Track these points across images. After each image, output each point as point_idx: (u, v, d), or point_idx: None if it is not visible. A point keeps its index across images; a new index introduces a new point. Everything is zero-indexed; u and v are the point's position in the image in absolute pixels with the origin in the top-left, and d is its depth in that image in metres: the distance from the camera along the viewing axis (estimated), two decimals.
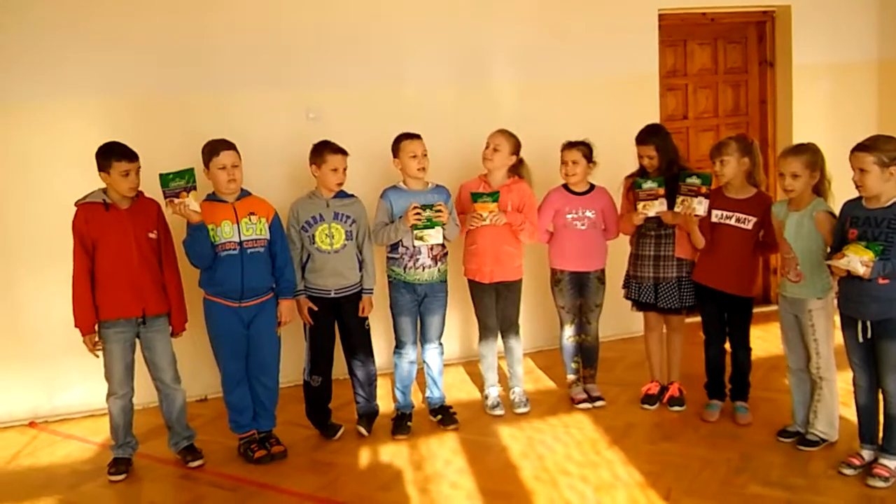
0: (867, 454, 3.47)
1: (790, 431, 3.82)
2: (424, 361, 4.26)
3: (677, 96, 5.86)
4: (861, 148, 3.30)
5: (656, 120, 5.13)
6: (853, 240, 3.27)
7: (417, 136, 4.09)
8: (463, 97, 5.13)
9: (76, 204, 3.75)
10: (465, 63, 5.15)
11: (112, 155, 3.68)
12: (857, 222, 3.31)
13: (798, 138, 5.45)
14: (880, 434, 3.45)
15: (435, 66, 5.08)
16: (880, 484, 3.32)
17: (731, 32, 5.92)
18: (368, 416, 4.20)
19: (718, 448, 3.79)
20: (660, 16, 5.50)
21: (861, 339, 3.34)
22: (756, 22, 5.92)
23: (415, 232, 3.96)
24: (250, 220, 3.85)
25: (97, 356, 3.78)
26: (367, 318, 4.15)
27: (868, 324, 3.31)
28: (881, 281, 3.21)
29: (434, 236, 3.97)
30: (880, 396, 3.43)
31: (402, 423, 4.16)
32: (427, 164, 4.08)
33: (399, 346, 4.24)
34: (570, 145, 4.25)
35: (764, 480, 3.46)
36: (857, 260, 3.15)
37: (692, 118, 5.90)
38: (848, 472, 3.45)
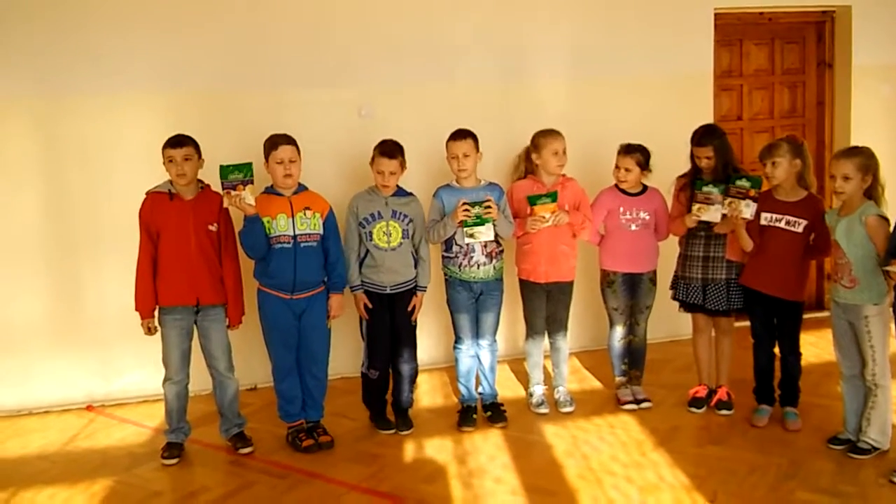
0: None
1: (841, 439, 3.75)
2: (477, 357, 4.28)
3: (732, 97, 5.78)
4: None
5: (710, 120, 5.08)
6: None
7: (462, 137, 4.07)
8: (513, 95, 5.15)
9: (146, 193, 3.89)
10: (515, 61, 5.16)
11: (163, 146, 3.83)
12: None
13: (856, 141, 5.33)
14: None
15: (485, 64, 5.10)
16: None
17: (789, 32, 5.82)
18: (407, 410, 4.25)
19: (767, 453, 3.75)
20: (716, 14, 5.44)
21: None
22: (815, 22, 5.82)
23: (465, 229, 3.98)
24: (305, 214, 3.92)
25: (152, 334, 3.91)
26: (414, 316, 4.18)
27: None
28: None
29: (485, 233, 3.98)
30: None
31: (468, 416, 4.21)
32: (470, 164, 4.06)
33: (458, 341, 4.27)
34: (626, 151, 4.22)
35: (813, 487, 3.41)
36: None
37: (747, 119, 5.82)
38: None
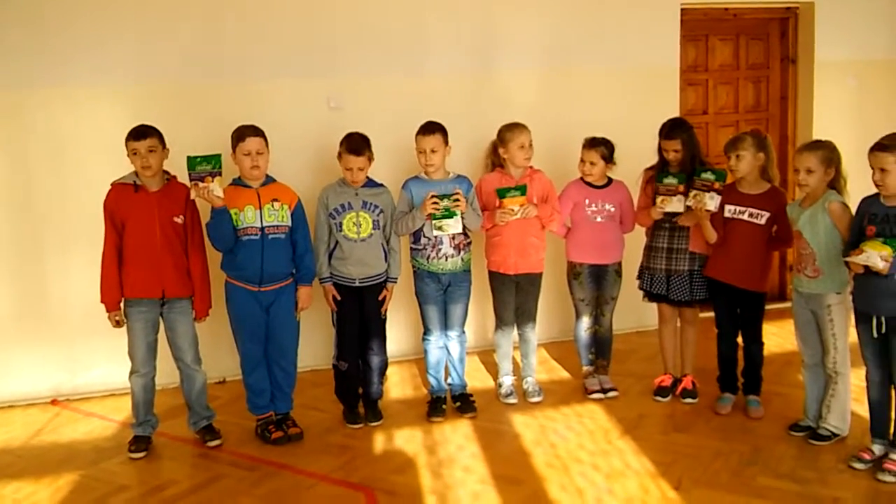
0: (878, 449, 3.49)
1: (802, 426, 3.84)
2: (446, 348, 4.30)
3: (698, 91, 5.86)
4: (881, 147, 3.30)
5: (676, 114, 5.14)
6: (871, 236, 3.28)
7: (430, 132, 4.06)
8: (482, 87, 5.17)
9: (111, 184, 3.85)
10: (484, 53, 5.18)
11: (126, 138, 3.79)
12: (875, 219, 3.31)
13: (818, 135, 5.41)
14: (891, 429, 3.47)
15: (454, 55, 5.11)
16: (890, 479, 3.34)
17: (754, 28, 5.91)
18: (376, 401, 4.26)
19: (730, 440, 3.82)
20: (682, 10, 5.50)
21: (876, 335, 3.36)
22: (779, 18, 5.91)
23: (433, 222, 3.99)
24: (273, 206, 3.91)
25: (119, 327, 3.88)
26: (384, 308, 4.19)
27: (883, 319, 3.32)
28: None
29: (453, 226, 4.00)
30: (892, 392, 3.44)
31: (437, 406, 4.23)
32: (437, 159, 4.07)
33: (427, 332, 4.29)
34: (590, 145, 4.26)
35: (774, 473, 3.49)
36: (877, 255, 3.17)
37: (712, 113, 5.90)
38: (858, 466, 3.46)
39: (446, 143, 4.10)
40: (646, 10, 5.41)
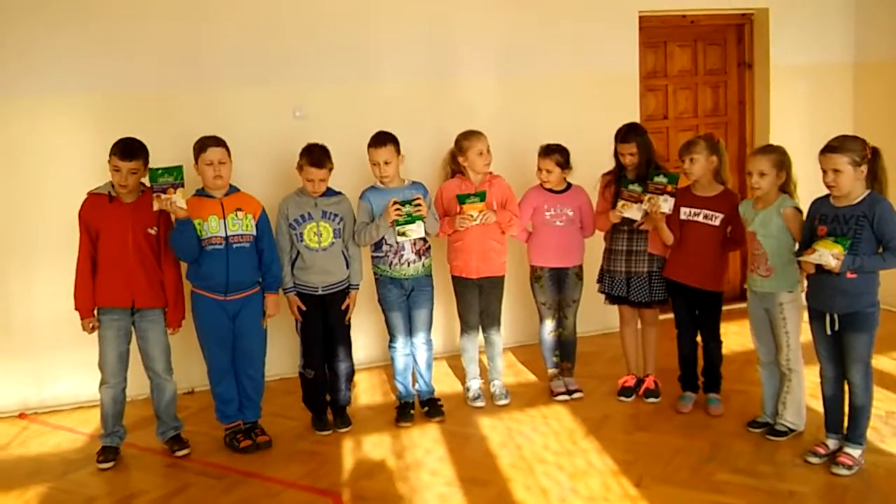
0: (832, 443, 3.60)
1: (760, 422, 3.94)
2: (413, 355, 4.35)
3: (657, 97, 5.97)
4: (832, 149, 3.39)
5: (636, 119, 5.25)
6: (822, 236, 3.39)
7: (381, 143, 4.09)
8: (441, 95, 5.22)
9: (87, 193, 3.88)
10: (444, 62, 5.24)
11: (112, 149, 3.80)
12: (825, 219, 3.42)
13: (775, 139, 5.59)
14: (845, 424, 3.57)
15: (414, 63, 5.17)
16: (844, 472, 3.45)
17: (711, 34, 6.03)
18: (344, 408, 4.30)
19: (690, 437, 3.91)
20: (640, 17, 5.61)
21: (829, 332, 3.46)
22: (735, 24, 6.04)
23: (397, 228, 4.05)
24: (237, 215, 3.94)
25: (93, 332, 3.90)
26: (348, 315, 4.24)
27: (835, 317, 3.42)
28: (849, 275, 3.33)
29: (416, 231, 4.07)
30: (846, 388, 3.55)
31: (405, 412, 4.28)
32: (391, 170, 4.12)
33: (392, 339, 4.34)
34: (546, 153, 4.34)
35: (732, 468, 3.58)
36: (829, 253, 3.27)
37: (672, 118, 6.02)
38: (814, 460, 3.57)
39: (398, 152, 4.14)
40: (604, 18, 5.51)
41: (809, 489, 3.37)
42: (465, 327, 4.47)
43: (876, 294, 3.41)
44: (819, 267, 3.36)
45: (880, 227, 3.28)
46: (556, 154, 4.32)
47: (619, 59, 5.58)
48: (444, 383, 4.81)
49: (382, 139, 4.10)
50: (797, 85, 5.99)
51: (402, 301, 4.26)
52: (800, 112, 5.93)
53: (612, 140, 4.34)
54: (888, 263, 3.30)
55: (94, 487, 3.72)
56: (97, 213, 3.82)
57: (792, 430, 3.83)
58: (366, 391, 4.82)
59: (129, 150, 3.78)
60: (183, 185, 3.76)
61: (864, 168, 3.34)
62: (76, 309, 3.86)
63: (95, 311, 3.89)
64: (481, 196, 4.16)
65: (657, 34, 5.84)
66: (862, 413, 3.48)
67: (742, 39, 6.06)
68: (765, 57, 5.95)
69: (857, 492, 3.32)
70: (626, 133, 4.26)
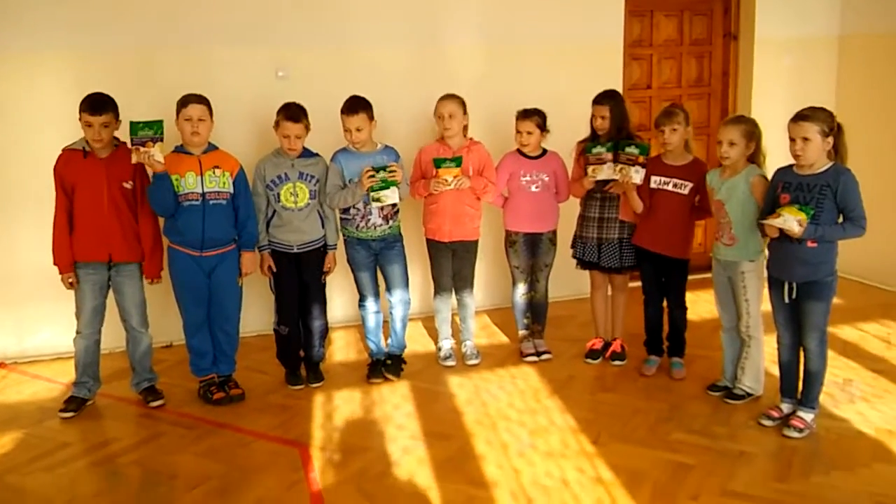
0: (786, 407, 3.70)
1: (719, 386, 4.04)
2: (390, 311, 4.43)
3: (642, 66, 5.99)
4: (803, 118, 3.44)
5: (619, 88, 5.27)
6: (785, 204, 3.46)
7: (353, 111, 4.11)
8: (425, 59, 5.24)
9: (62, 149, 3.92)
10: (429, 27, 5.25)
11: (81, 105, 3.83)
12: (789, 187, 3.48)
13: (757, 110, 5.65)
14: (799, 389, 3.67)
15: (398, 28, 5.17)
16: (795, 434, 3.55)
17: (697, 4, 6.03)
18: (318, 364, 4.39)
19: (651, 399, 4.02)
20: None
21: (787, 300, 3.54)
22: None
23: (371, 194, 4.09)
24: (214, 173, 3.99)
25: (73, 289, 3.97)
26: (325, 274, 4.31)
27: (794, 285, 3.50)
28: (810, 244, 3.41)
29: (391, 196, 4.11)
30: (801, 355, 3.64)
31: (376, 369, 4.38)
32: (364, 136, 4.14)
33: (362, 299, 4.42)
34: (524, 115, 4.38)
35: (688, 429, 3.69)
36: (793, 219, 3.34)
37: (656, 88, 6.04)
38: (767, 423, 3.68)
39: (371, 118, 4.17)
40: None
41: (759, 450, 3.47)
42: (438, 289, 4.55)
43: (834, 264, 3.49)
44: (781, 233, 3.42)
45: (843, 197, 3.34)
46: (535, 116, 4.37)
47: (604, 28, 5.59)
48: (417, 343, 4.91)
49: (354, 107, 4.13)
50: (781, 57, 6.00)
51: (371, 261, 4.33)
52: (783, 84, 5.95)
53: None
54: (848, 233, 3.38)
55: (68, 434, 3.82)
56: (72, 168, 3.87)
57: (750, 395, 3.93)
58: (341, 349, 4.91)
59: (97, 104, 3.82)
60: (162, 140, 3.80)
61: (831, 140, 3.40)
62: (55, 264, 3.92)
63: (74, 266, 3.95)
64: (457, 161, 4.21)
65: (643, 3, 5.85)
66: (816, 379, 3.57)
67: (728, 10, 6.07)
68: (750, 29, 5.97)
69: (805, 453, 3.43)
70: (602, 97, 4.31)
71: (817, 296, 3.49)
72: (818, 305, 3.50)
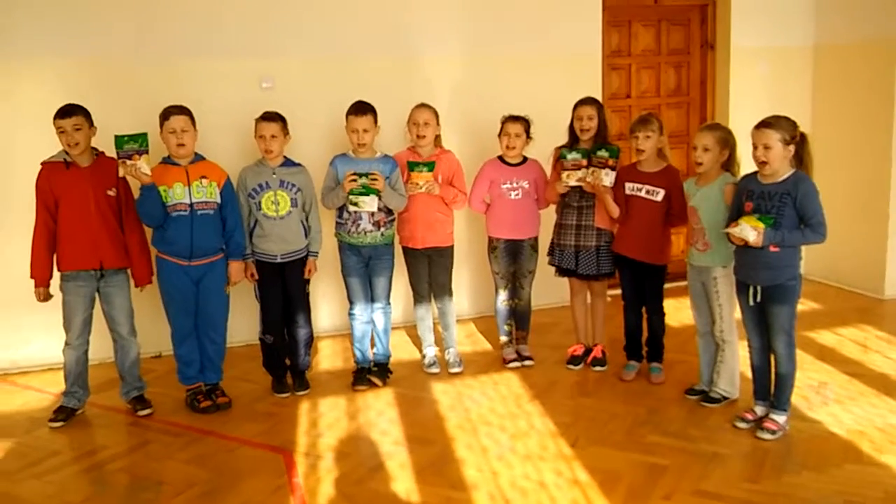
0: (760, 410, 3.79)
1: (696, 390, 4.13)
2: (372, 320, 4.52)
3: (621, 75, 6.10)
4: (766, 125, 3.55)
5: (599, 97, 5.37)
6: (748, 212, 3.56)
7: (362, 112, 4.25)
8: (406, 70, 5.33)
9: (41, 163, 3.99)
10: (409, 37, 5.35)
11: (54, 115, 3.92)
12: (752, 196, 3.59)
13: (735, 119, 5.76)
14: (772, 391, 3.76)
15: (380, 39, 5.27)
16: (768, 436, 3.64)
17: (675, 15, 6.16)
18: (303, 372, 4.47)
19: (630, 404, 4.11)
20: None
21: (752, 303, 3.64)
22: (699, 5, 6.17)
23: (350, 198, 4.19)
24: (202, 183, 4.07)
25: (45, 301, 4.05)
26: (307, 283, 4.39)
27: (758, 289, 3.60)
28: (772, 249, 3.50)
29: (368, 203, 4.20)
30: (772, 358, 3.72)
31: (361, 376, 4.46)
32: (368, 138, 4.26)
33: (351, 306, 4.49)
34: (513, 119, 4.47)
35: (664, 431, 3.78)
36: (749, 228, 3.44)
37: (635, 97, 6.15)
38: (741, 425, 3.76)
39: (376, 123, 4.30)
40: None
41: (732, 451, 3.56)
42: (417, 296, 4.64)
43: (798, 268, 3.59)
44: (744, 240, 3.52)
45: (803, 205, 3.44)
46: (522, 121, 4.47)
47: (583, 38, 5.70)
48: (403, 350, 4.99)
49: (363, 108, 4.25)
50: (758, 66, 6.12)
51: (361, 268, 4.41)
52: (759, 93, 6.06)
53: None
54: (808, 239, 3.48)
55: (57, 443, 3.89)
56: (56, 180, 3.95)
57: (725, 398, 4.02)
58: (327, 357, 4.99)
59: (66, 109, 3.92)
60: (147, 152, 3.88)
61: (792, 148, 3.50)
62: (32, 277, 3.99)
63: (58, 278, 4.01)
64: (430, 166, 4.32)
65: (621, 13, 5.96)
66: (786, 381, 3.66)
67: (705, 21, 6.19)
68: (726, 38, 6.10)
69: (777, 454, 3.52)
70: (587, 98, 4.41)
71: (781, 299, 3.58)
72: (783, 308, 3.59)
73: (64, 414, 4.08)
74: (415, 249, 4.52)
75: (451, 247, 4.60)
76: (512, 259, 4.61)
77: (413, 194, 4.35)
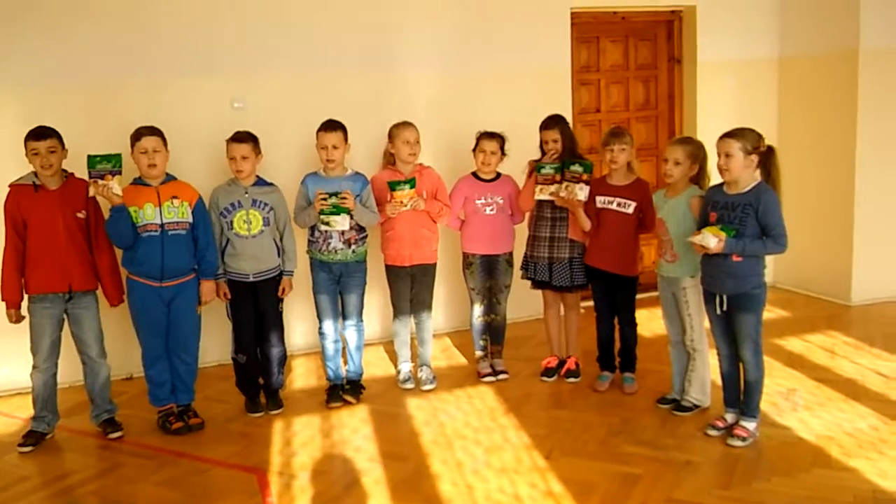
0: (730, 417, 3.83)
1: (668, 399, 4.17)
2: (344, 337, 4.51)
3: (590, 90, 6.17)
4: (728, 135, 3.63)
5: (569, 113, 5.45)
6: (713, 222, 3.62)
7: (332, 129, 4.28)
8: (383, 88, 5.36)
9: (9, 185, 3.96)
10: (383, 55, 5.38)
11: (26, 138, 3.92)
12: (716, 206, 3.65)
13: (703, 131, 5.82)
14: (741, 398, 3.80)
15: (352, 56, 5.30)
16: (739, 443, 3.68)
17: (642, 30, 6.25)
18: (277, 391, 4.45)
19: (603, 414, 4.13)
20: (572, 13, 5.80)
21: (719, 312, 3.69)
22: (665, 20, 6.26)
23: (321, 217, 4.20)
24: (173, 203, 4.05)
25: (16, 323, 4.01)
26: (281, 302, 4.38)
27: (724, 297, 3.65)
28: (735, 258, 3.56)
29: (340, 222, 4.21)
30: (740, 365, 3.77)
31: (334, 393, 4.45)
32: (338, 155, 4.28)
33: (320, 324, 4.49)
34: (489, 136, 4.51)
35: (637, 441, 3.80)
36: (710, 236, 3.51)
37: (604, 111, 6.22)
38: (713, 433, 3.80)
39: (346, 140, 4.32)
40: (537, 14, 5.68)
41: (704, 459, 3.59)
42: (397, 312, 4.64)
43: (762, 276, 3.65)
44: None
45: (764, 216, 3.51)
46: (498, 138, 4.51)
47: (553, 55, 5.76)
48: (378, 367, 4.99)
49: (333, 125, 4.29)
50: (724, 79, 6.22)
51: (331, 285, 4.41)
52: (726, 105, 6.15)
53: None
54: (769, 249, 3.55)
55: (26, 468, 3.83)
56: (24, 203, 3.93)
57: (697, 406, 4.06)
58: (301, 375, 4.97)
59: (40, 131, 3.91)
60: (120, 173, 3.87)
61: (755, 158, 3.57)
62: (2, 299, 3.96)
63: (25, 300, 3.98)
64: (411, 183, 4.33)
65: (589, 30, 6.05)
66: (755, 388, 3.71)
67: (672, 35, 6.28)
68: (692, 52, 6.19)
69: (748, 461, 3.55)
70: (549, 121, 4.46)
71: (746, 307, 3.63)
72: (748, 317, 3.64)
73: (33, 438, 4.03)
74: (400, 267, 4.52)
75: (435, 264, 4.62)
76: (487, 274, 4.63)
77: (398, 213, 4.35)
